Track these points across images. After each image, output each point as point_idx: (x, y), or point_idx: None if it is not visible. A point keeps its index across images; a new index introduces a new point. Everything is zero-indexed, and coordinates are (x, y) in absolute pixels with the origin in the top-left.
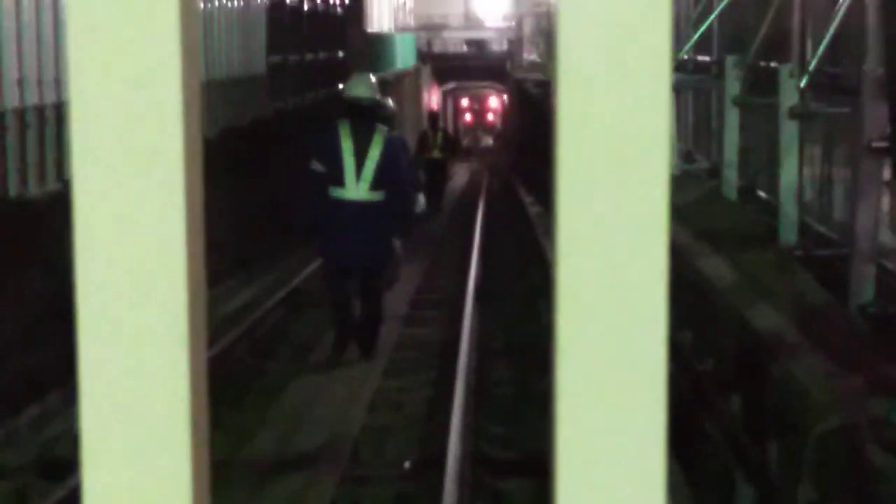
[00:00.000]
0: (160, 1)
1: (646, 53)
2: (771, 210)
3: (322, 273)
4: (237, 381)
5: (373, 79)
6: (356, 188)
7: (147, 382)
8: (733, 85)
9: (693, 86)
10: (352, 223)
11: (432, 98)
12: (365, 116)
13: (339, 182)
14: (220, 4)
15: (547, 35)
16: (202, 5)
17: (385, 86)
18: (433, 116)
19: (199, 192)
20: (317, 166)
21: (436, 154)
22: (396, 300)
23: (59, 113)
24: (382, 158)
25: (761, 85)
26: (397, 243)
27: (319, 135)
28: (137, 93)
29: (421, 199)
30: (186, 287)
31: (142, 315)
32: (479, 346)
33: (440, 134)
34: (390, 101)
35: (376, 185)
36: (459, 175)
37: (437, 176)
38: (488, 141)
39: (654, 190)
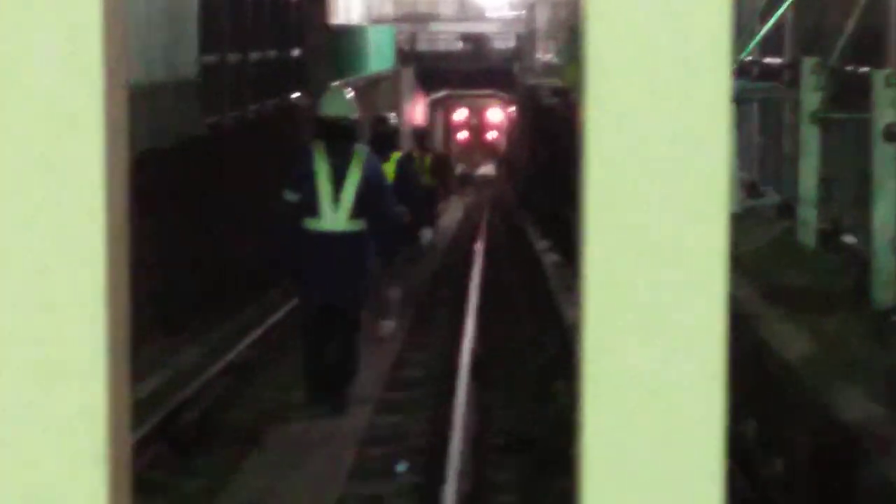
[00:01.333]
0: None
1: (699, 54)
2: (861, 261)
3: (298, 314)
4: (149, 495)
5: (349, 94)
6: (333, 217)
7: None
8: (812, 96)
9: (759, 96)
10: (328, 257)
11: (416, 110)
12: (342, 137)
13: (314, 212)
14: None
15: (568, 28)
16: None
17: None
18: (420, 135)
19: (123, 228)
20: (291, 196)
21: (425, 180)
22: (366, 377)
23: None
24: (363, 183)
25: (849, 96)
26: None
27: (293, 161)
28: (50, 104)
29: (427, 233)
30: (106, 360)
31: (57, 399)
32: (477, 440)
33: (427, 158)
34: (393, 117)
35: (356, 212)
36: (451, 212)
37: (426, 207)
38: (489, 167)
39: (709, 231)
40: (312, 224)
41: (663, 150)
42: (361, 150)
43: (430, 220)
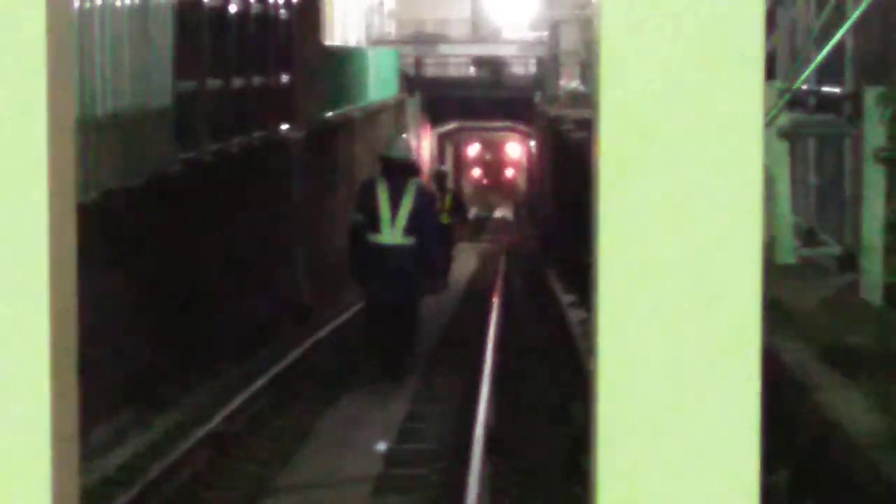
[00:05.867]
0: (22, 22)
1: (726, 79)
2: None
3: (364, 311)
4: None
5: (407, 140)
6: (391, 233)
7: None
8: (876, 131)
9: (816, 131)
10: (388, 264)
11: (422, 145)
12: (400, 173)
13: (376, 229)
14: (102, 1)
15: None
16: (75, 1)
17: (346, 128)
18: (440, 177)
19: (70, 277)
20: (357, 217)
21: (443, 219)
22: (365, 448)
23: None
24: (414, 207)
25: None
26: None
27: (360, 189)
28: None
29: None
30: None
31: None
32: None
33: (448, 196)
34: (412, 149)
35: (409, 230)
36: (462, 263)
37: (444, 244)
38: (506, 211)
39: (740, 279)
40: (374, 238)
41: (684, 185)
42: (414, 182)
43: (448, 255)
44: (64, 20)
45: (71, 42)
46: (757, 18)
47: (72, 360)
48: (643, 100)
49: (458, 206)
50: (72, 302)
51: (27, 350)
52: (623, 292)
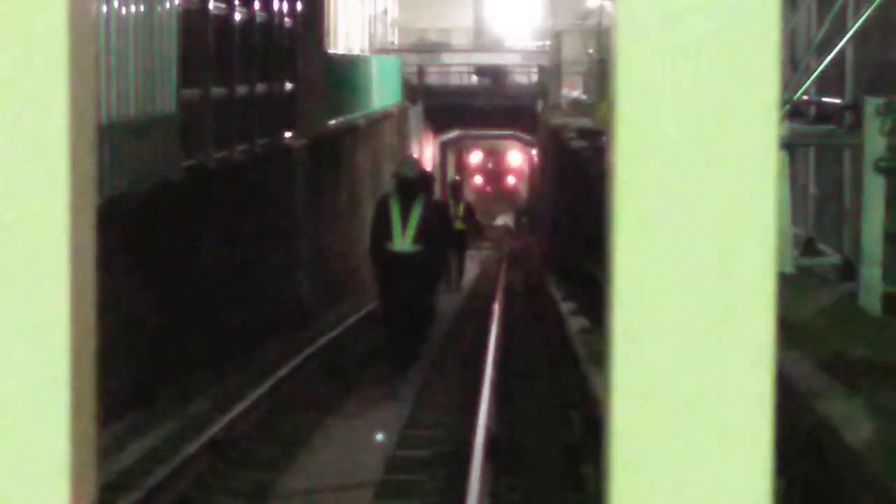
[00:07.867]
0: (42, 33)
1: (742, 91)
2: None
3: (379, 309)
4: None
5: (416, 160)
6: (402, 242)
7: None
8: (876, 141)
9: (816, 141)
10: (399, 268)
11: (425, 153)
12: (410, 189)
13: (390, 238)
14: (108, 10)
15: (600, 62)
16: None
17: (349, 136)
18: (456, 186)
19: (90, 277)
20: (374, 228)
21: (458, 225)
22: (365, 454)
23: None
24: (421, 218)
25: None
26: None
27: (376, 203)
28: (12, 146)
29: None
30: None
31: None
32: None
33: (462, 205)
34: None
35: (418, 239)
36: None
37: (457, 248)
38: (507, 218)
39: (754, 293)
40: (388, 246)
41: (700, 197)
42: (422, 196)
43: (461, 259)
44: (86, 19)
45: (92, 41)
46: (773, 38)
47: (90, 357)
48: (659, 118)
49: (470, 214)
50: (91, 302)
51: (46, 344)
52: (638, 309)
